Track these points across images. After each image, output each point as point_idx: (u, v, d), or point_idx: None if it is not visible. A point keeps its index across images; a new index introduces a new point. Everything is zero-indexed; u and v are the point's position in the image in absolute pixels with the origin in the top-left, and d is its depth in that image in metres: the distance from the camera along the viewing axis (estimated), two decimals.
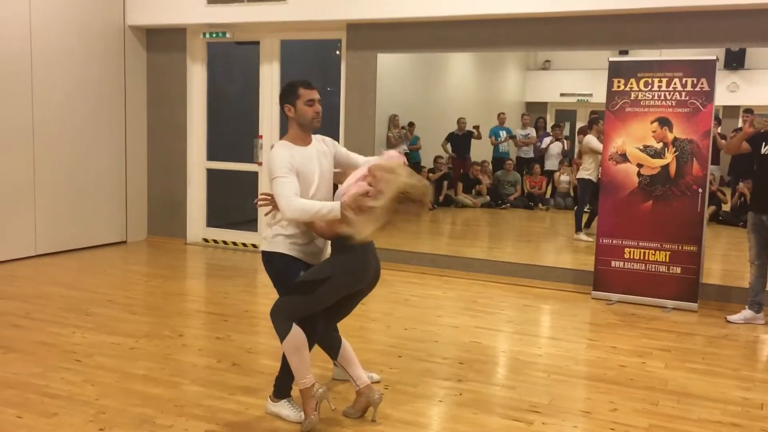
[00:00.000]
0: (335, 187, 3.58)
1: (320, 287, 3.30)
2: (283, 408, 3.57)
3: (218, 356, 4.46)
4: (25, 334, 4.80)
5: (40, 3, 7.17)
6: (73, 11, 7.52)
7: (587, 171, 8.20)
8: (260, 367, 4.28)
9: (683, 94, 5.91)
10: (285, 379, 3.58)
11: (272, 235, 3.47)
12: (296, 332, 3.32)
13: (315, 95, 3.45)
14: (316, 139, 3.56)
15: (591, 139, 8.07)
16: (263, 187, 8.15)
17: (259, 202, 3.52)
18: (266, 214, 3.53)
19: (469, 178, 10.15)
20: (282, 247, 3.44)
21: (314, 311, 3.41)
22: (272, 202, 3.41)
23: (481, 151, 10.08)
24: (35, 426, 3.39)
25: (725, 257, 7.53)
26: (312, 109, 3.43)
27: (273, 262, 3.48)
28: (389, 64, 7.55)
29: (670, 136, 5.98)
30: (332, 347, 3.59)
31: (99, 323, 5.10)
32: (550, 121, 10.47)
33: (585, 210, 8.41)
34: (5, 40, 6.90)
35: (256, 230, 8.27)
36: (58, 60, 7.41)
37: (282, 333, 3.33)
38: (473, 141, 9.86)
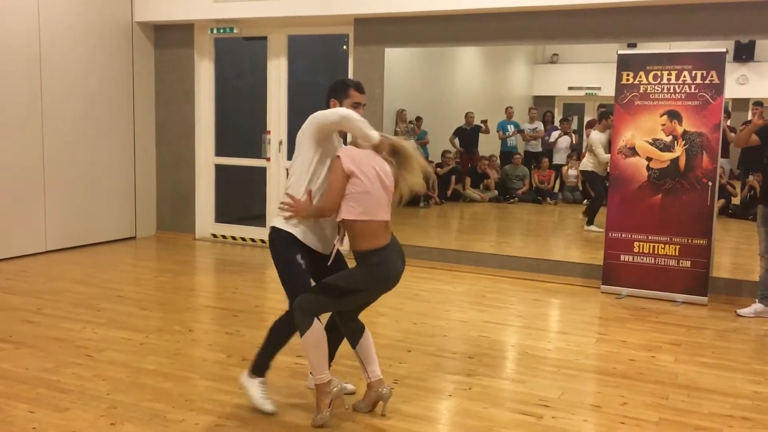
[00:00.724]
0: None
1: (351, 295, 3.31)
2: (253, 386, 3.58)
3: (228, 351, 4.47)
4: (36, 330, 4.83)
5: (48, 1, 7.19)
6: (81, 8, 7.54)
7: (592, 162, 8.17)
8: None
9: (693, 86, 5.88)
10: (263, 357, 3.59)
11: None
12: (317, 328, 3.31)
13: (363, 99, 3.49)
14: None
15: (594, 142, 8.03)
16: (272, 182, 8.17)
17: (283, 208, 3.42)
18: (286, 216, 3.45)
19: (477, 172, 10.13)
20: (289, 226, 3.41)
21: (336, 311, 3.44)
22: (295, 208, 3.36)
23: (489, 145, 10.04)
24: (47, 421, 3.42)
25: (735, 251, 7.50)
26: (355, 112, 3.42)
27: (273, 240, 3.46)
28: (397, 58, 7.54)
29: (679, 129, 5.95)
30: (354, 333, 3.54)
31: (110, 318, 5.13)
32: (558, 115, 10.42)
33: (603, 204, 8.37)
34: (14, 38, 6.93)
35: (264, 225, 8.29)
36: (66, 57, 7.44)
37: (303, 327, 3.32)
38: (481, 135, 9.83)
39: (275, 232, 3.46)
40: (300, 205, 3.35)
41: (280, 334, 3.57)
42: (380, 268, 3.31)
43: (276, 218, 3.49)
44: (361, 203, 3.25)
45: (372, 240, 3.28)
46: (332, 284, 3.34)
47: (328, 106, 3.48)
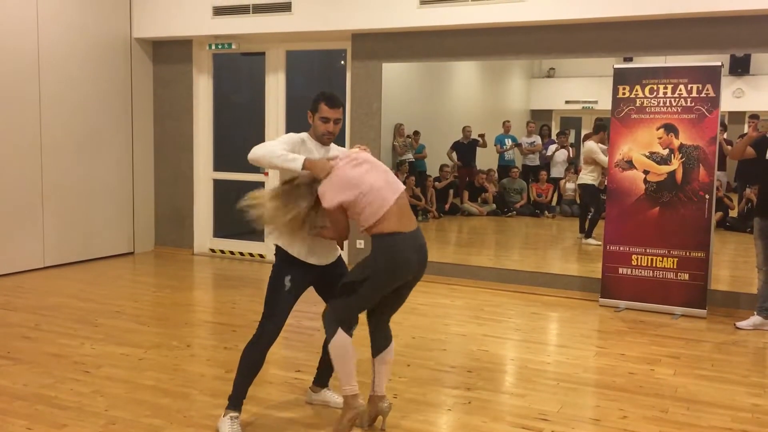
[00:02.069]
0: None
1: (360, 288, 3.25)
2: (223, 425, 3.41)
3: (227, 366, 4.46)
4: (34, 346, 4.82)
5: (47, 17, 7.23)
6: (80, 25, 7.58)
7: (591, 176, 8.18)
8: (269, 377, 4.28)
9: (689, 100, 5.91)
10: (237, 388, 3.47)
11: None
12: (340, 338, 3.27)
13: (333, 114, 3.38)
14: (336, 149, 3.55)
15: (593, 149, 8.05)
16: None
17: (321, 234, 3.38)
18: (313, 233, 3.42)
19: (475, 186, 10.14)
20: (279, 240, 3.43)
21: (361, 311, 3.37)
22: (330, 233, 3.36)
23: (486, 159, 10.06)
24: None
25: (733, 263, 7.50)
26: (324, 127, 3.40)
27: (275, 256, 3.49)
28: (394, 73, 7.58)
29: (676, 143, 5.98)
30: (377, 342, 3.49)
31: (108, 334, 5.12)
32: (555, 129, 10.45)
33: (601, 216, 8.39)
34: (13, 53, 6.96)
35: (262, 240, 8.28)
36: (65, 73, 7.46)
37: (327, 337, 3.31)
38: (478, 149, 9.85)
39: (276, 248, 3.49)
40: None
41: (247, 360, 3.47)
42: (390, 252, 3.20)
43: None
44: (367, 207, 3.22)
45: (387, 223, 3.21)
46: (345, 282, 3.32)
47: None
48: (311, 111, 3.44)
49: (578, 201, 9.78)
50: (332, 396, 3.81)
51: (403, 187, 3.35)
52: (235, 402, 3.48)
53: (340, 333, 3.27)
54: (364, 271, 3.27)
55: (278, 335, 3.46)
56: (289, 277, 3.40)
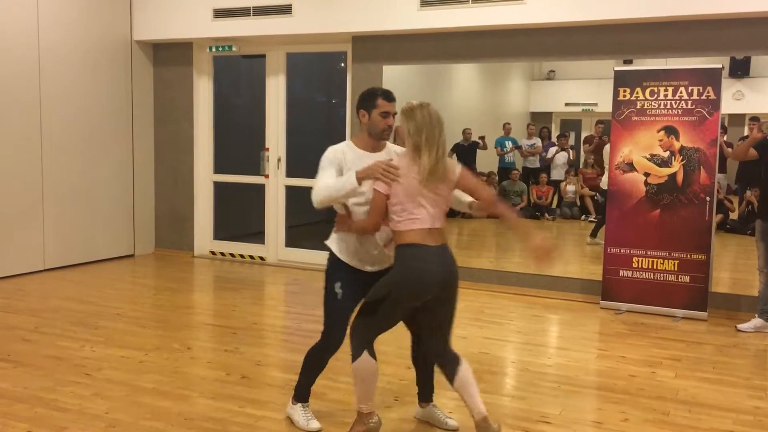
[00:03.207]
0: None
1: (381, 306, 3.19)
2: (295, 412, 3.59)
3: (227, 369, 4.45)
4: (34, 348, 4.81)
5: (48, 20, 7.23)
6: (80, 27, 7.59)
7: None
8: (269, 380, 4.28)
9: (689, 102, 5.91)
10: (301, 383, 3.59)
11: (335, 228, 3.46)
12: (364, 361, 3.24)
13: (392, 109, 3.39)
14: (389, 151, 3.48)
15: None
16: (270, 199, 8.17)
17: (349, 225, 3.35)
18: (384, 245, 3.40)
19: None
20: (333, 244, 3.44)
21: (385, 329, 3.31)
22: (360, 224, 3.31)
23: (487, 161, 10.06)
24: None
25: (734, 266, 7.50)
26: (385, 122, 3.37)
27: (328, 257, 3.47)
28: (394, 75, 7.57)
29: (676, 145, 5.97)
30: (446, 369, 3.34)
31: (108, 337, 5.11)
32: (555, 131, 10.45)
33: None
34: (14, 56, 6.96)
35: (263, 242, 8.29)
36: (66, 75, 7.47)
37: (353, 356, 3.26)
38: (479, 151, 9.85)
39: (329, 249, 3.48)
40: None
41: (311, 361, 3.55)
42: (407, 267, 3.14)
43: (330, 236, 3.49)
44: (407, 215, 3.18)
45: (413, 234, 3.16)
46: (367, 301, 3.25)
47: (358, 116, 3.44)
48: (364, 109, 3.40)
49: (578, 204, 9.78)
50: (440, 414, 3.69)
51: (441, 225, 3.27)
52: (303, 396, 3.60)
53: (365, 356, 3.23)
54: (383, 290, 3.20)
55: (344, 340, 3.42)
56: (339, 284, 3.39)
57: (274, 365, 4.58)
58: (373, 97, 3.38)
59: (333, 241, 3.45)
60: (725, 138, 7.56)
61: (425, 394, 3.70)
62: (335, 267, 3.43)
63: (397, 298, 3.18)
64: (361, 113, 3.41)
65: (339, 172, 3.30)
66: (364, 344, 3.25)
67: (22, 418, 3.64)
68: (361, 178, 3.17)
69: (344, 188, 3.20)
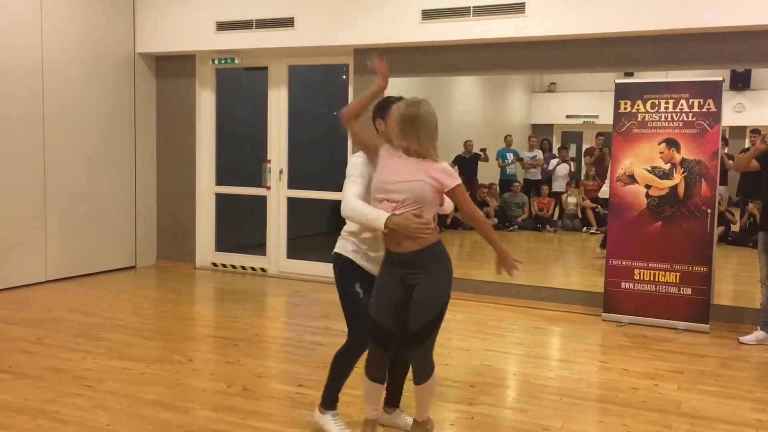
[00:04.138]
0: None
1: (443, 315, 3.31)
2: (327, 422, 3.57)
3: (229, 381, 4.45)
4: (36, 360, 4.81)
5: (51, 32, 7.28)
6: (84, 40, 7.63)
7: None
8: (271, 392, 4.27)
9: (690, 115, 5.93)
10: (331, 390, 3.57)
11: (345, 232, 3.48)
12: (436, 374, 3.37)
13: None
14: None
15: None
16: (272, 211, 8.19)
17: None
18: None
19: (477, 200, 10.15)
20: (345, 247, 3.46)
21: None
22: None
23: (488, 173, 10.09)
24: None
25: (736, 278, 7.49)
26: None
27: (334, 266, 3.50)
28: (396, 88, 7.59)
29: (677, 157, 5.99)
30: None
31: (110, 348, 5.11)
32: (556, 143, 10.48)
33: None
34: (17, 67, 6.99)
35: (264, 254, 8.29)
36: (68, 87, 7.50)
37: (430, 370, 3.34)
38: (480, 163, 9.88)
39: (335, 257, 3.50)
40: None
41: (339, 366, 3.55)
42: (449, 260, 3.30)
43: (337, 243, 3.52)
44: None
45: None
46: (432, 319, 3.28)
47: (373, 125, 3.50)
48: (380, 118, 3.49)
49: (579, 215, 9.79)
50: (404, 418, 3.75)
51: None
52: (332, 404, 3.58)
53: (434, 373, 3.34)
54: (444, 295, 3.28)
55: (368, 343, 3.43)
56: (357, 284, 3.43)
57: (275, 377, 4.58)
58: (389, 106, 3.46)
59: (344, 247, 3.47)
60: (726, 150, 7.58)
61: (393, 399, 3.75)
62: (348, 270, 3.45)
63: (449, 297, 3.32)
64: (378, 122, 3.51)
65: (367, 179, 3.36)
66: (431, 364, 3.33)
67: (23, 430, 3.64)
68: (389, 227, 3.18)
69: (369, 223, 3.24)
